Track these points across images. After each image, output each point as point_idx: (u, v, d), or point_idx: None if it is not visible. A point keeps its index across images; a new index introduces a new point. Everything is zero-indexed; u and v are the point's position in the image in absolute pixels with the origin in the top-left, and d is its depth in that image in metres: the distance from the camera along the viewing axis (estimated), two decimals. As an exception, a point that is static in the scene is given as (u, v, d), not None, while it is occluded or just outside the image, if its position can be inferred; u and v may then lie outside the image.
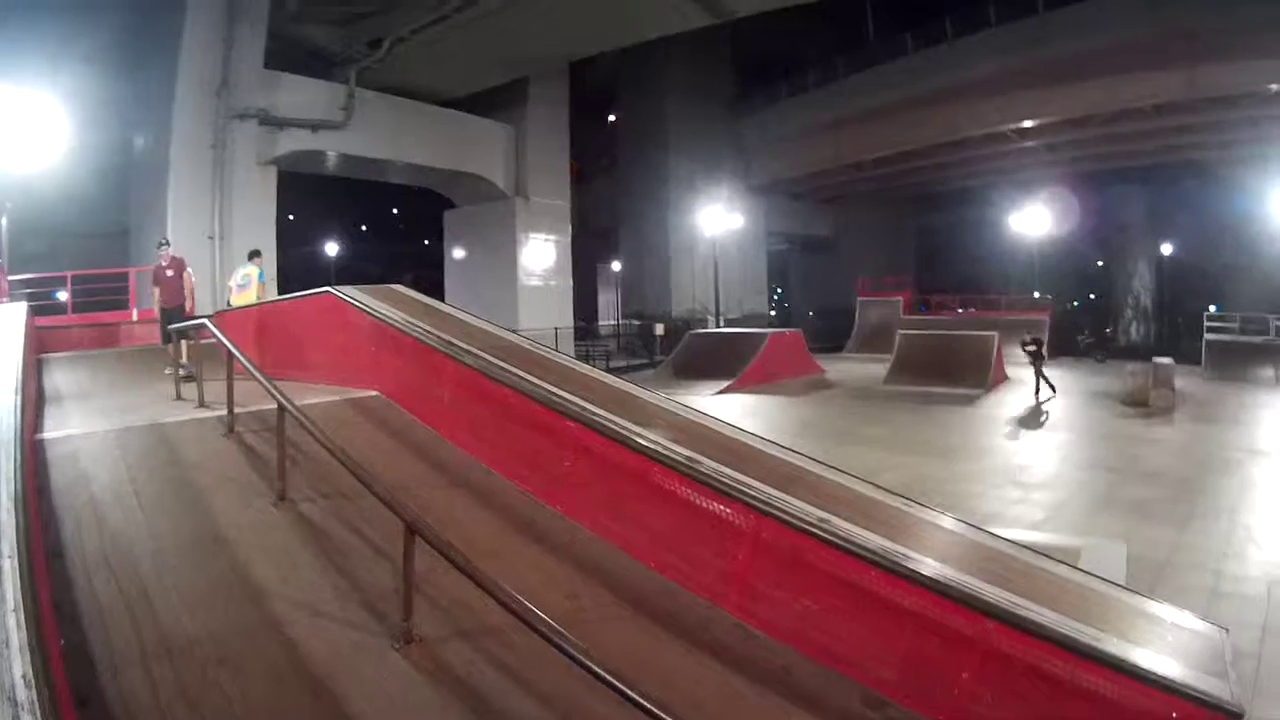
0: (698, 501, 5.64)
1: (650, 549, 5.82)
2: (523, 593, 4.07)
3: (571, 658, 3.61)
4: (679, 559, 5.68)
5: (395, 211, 61.86)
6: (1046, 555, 5.89)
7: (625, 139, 47.76)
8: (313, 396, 7.94)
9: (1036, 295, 40.70)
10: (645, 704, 3.41)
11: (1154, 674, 4.41)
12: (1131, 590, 5.89)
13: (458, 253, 38.38)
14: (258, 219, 26.53)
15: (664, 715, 3.36)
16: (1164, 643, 4.89)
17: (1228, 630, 5.25)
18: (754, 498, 5.38)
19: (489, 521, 6.13)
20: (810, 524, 5.14)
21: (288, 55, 27.61)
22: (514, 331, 9.19)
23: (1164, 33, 28.88)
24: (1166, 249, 51.11)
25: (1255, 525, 10.50)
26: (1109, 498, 11.70)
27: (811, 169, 43.71)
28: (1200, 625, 5.32)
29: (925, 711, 4.70)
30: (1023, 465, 13.88)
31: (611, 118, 49.91)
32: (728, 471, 5.63)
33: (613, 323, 45.69)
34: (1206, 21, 27.95)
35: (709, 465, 5.68)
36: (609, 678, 3.49)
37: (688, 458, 5.76)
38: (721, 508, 5.52)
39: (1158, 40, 29.20)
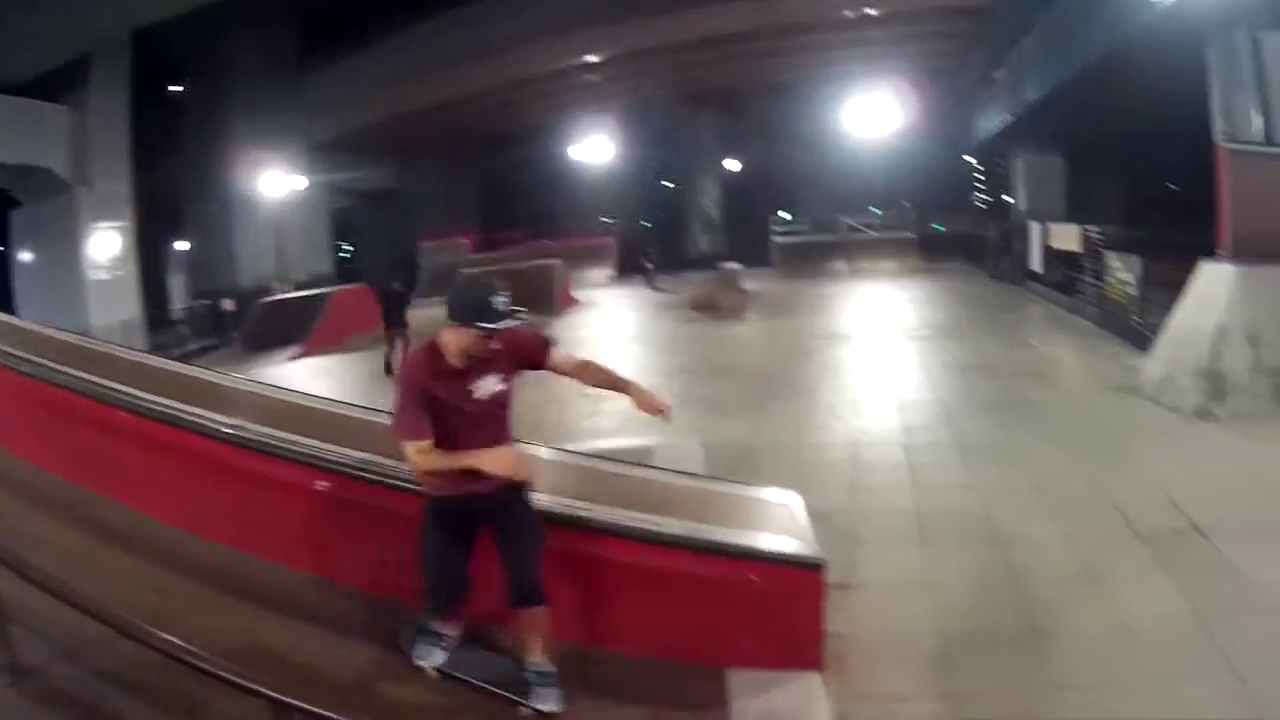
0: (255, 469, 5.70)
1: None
2: (114, 597, 4.18)
3: (167, 654, 3.65)
4: (242, 528, 5.81)
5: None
6: (613, 459, 6.26)
7: (190, 112, 43.76)
8: None
9: (604, 221, 42.25)
10: (262, 690, 3.44)
11: (730, 545, 4.78)
12: (706, 476, 6.32)
13: (25, 255, 33.84)
14: None
15: (277, 695, 3.41)
16: (739, 516, 5.28)
17: (799, 495, 5.61)
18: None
19: (66, 531, 5.93)
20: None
21: None
22: (86, 329, 8.47)
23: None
24: (736, 165, 54.91)
25: (836, 401, 11.44)
26: (684, 397, 11.25)
27: (373, 121, 42.89)
28: (774, 494, 5.71)
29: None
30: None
31: (179, 89, 45.72)
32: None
33: (185, 306, 42.17)
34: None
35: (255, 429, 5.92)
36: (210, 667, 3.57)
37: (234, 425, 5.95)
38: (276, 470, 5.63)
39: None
